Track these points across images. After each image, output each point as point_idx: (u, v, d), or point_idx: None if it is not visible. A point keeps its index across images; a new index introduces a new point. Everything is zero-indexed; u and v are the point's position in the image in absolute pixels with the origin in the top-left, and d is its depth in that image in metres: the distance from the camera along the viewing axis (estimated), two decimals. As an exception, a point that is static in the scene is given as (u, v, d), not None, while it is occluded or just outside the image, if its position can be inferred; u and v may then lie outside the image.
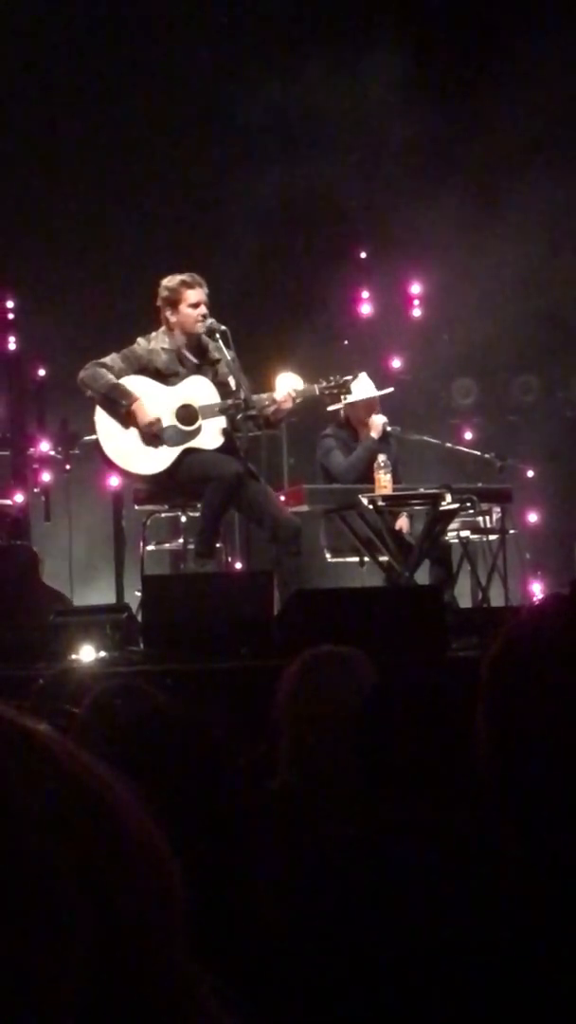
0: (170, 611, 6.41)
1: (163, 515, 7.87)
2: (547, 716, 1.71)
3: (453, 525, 8.02)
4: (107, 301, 10.25)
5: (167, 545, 8.36)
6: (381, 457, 7.81)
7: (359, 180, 10.86)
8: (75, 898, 0.80)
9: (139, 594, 6.97)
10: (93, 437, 7.49)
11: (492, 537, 8.25)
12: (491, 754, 1.75)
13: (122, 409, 7.21)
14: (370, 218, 11.32)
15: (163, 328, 7.42)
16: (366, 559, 7.95)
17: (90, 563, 9.73)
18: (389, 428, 8.49)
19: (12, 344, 10.00)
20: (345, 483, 8.21)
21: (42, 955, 0.78)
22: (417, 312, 11.55)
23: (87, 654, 6.11)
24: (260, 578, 6.92)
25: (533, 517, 10.66)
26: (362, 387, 8.19)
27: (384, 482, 7.66)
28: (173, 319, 7.36)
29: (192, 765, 1.59)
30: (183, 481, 7.29)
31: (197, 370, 7.39)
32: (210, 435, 7.29)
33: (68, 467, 9.28)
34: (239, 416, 7.18)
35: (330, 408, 7.95)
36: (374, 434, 8.39)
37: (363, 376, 8.33)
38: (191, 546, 7.42)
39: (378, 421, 8.42)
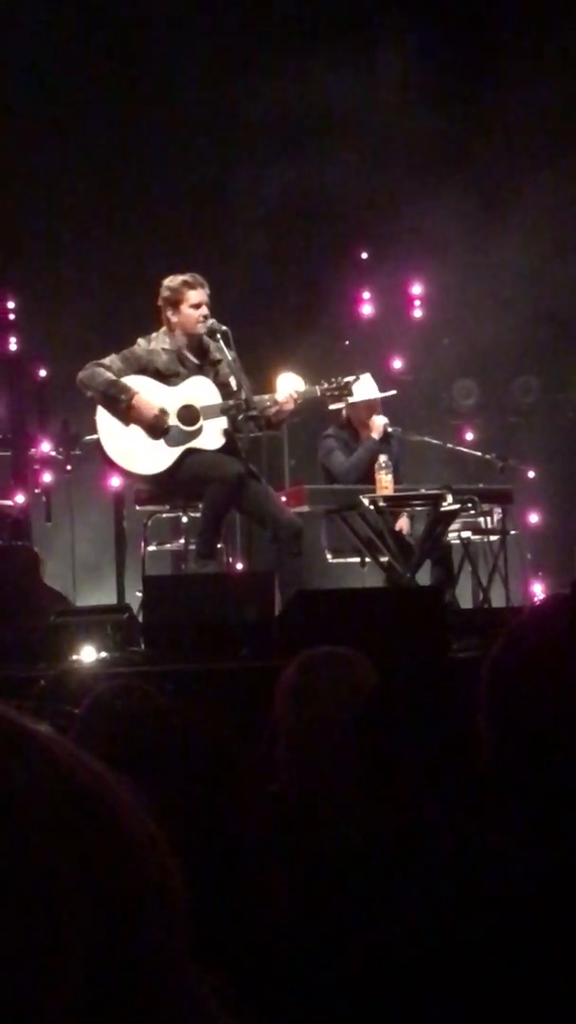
0: (171, 612, 6.40)
1: (164, 516, 7.86)
2: (548, 716, 1.71)
3: (454, 526, 8.02)
4: (108, 301, 10.25)
5: (168, 546, 8.36)
6: (382, 458, 7.82)
7: (360, 180, 10.85)
8: (75, 898, 0.80)
9: (140, 595, 6.97)
10: (94, 437, 7.49)
11: (493, 538, 8.25)
12: (492, 754, 1.75)
13: (122, 404, 7.20)
14: (371, 218, 11.32)
15: (164, 328, 7.41)
16: (367, 560, 7.95)
17: (91, 564, 9.73)
18: (390, 429, 8.49)
19: (13, 344, 10.00)
20: (346, 483, 8.21)
21: (42, 955, 0.78)
22: (418, 313, 11.55)
23: (88, 655, 6.10)
24: (261, 579, 6.92)
25: (534, 518, 10.66)
26: (364, 388, 8.19)
27: (385, 483, 7.66)
28: (174, 319, 7.35)
29: (193, 765, 1.59)
30: (184, 481, 7.29)
31: (198, 371, 7.39)
32: (211, 436, 7.29)
33: (69, 468, 9.28)
34: (240, 417, 7.18)
35: (331, 407, 7.95)
36: (375, 435, 8.40)
37: (367, 377, 8.33)
38: (192, 547, 7.42)
39: (379, 422, 8.42)
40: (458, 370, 11.58)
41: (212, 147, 10.96)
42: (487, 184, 10.86)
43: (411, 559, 7.74)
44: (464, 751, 2.14)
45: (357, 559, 8.13)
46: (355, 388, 7.72)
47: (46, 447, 9.40)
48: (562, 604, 1.93)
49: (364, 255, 11.52)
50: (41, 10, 10.43)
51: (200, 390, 7.32)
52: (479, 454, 9.50)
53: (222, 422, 7.28)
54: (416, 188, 10.94)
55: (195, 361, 7.41)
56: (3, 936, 0.78)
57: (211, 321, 7.29)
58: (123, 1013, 0.80)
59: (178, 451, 7.26)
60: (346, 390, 7.55)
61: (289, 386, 7.44)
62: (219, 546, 7.47)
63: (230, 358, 7.23)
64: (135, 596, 7.41)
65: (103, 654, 6.16)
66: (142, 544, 7.80)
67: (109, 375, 7.23)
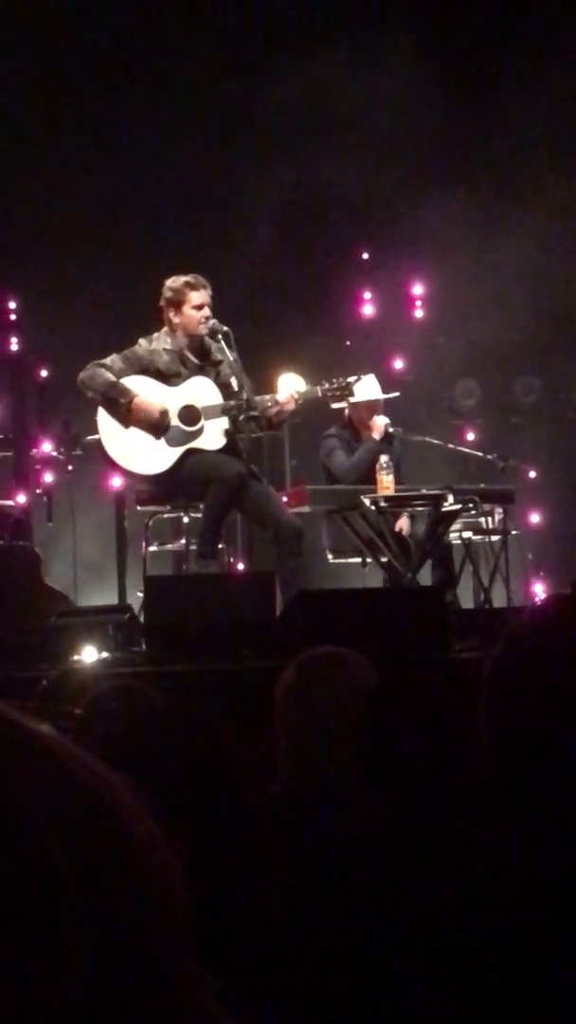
0: (172, 612, 6.40)
1: (165, 516, 7.86)
2: (549, 717, 1.71)
3: (455, 526, 8.02)
4: (109, 302, 10.25)
5: (169, 546, 8.36)
6: (383, 458, 7.81)
7: (361, 181, 10.85)
8: (75, 899, 0.80)
9: (141, 595, 6.97)
10: (95, 437, 7.49)
11: (494, 538, 8.25)
12: (493, 755, 1.75)
13: (121, 407, 7.20)
14: (372, 219, 11.32)
15: (165, 329, 7.41)
16: (368, 560, 7.95)
17: (92, 564, 9.72)
18: (391, 429, 8.49)
19: (14, 345, 10.01)
20: (346, 483, 8.21)
21: (42, 955, 0.78)
22: (419, 313, 11.55)
23: (89, 655, 6.10)
24: (262, 579, 6.92)
25: (535, 518, 10.66)
26: (366, 388, 8.19)
27: (386, 483, 7.66)
28: (176, 320, 7.35)
29: (192, 765, 1.59)
30: (185, 482, 7.29)
31: (199, 371, 7.39)
32: (212, 436, 7.29)
33: (70, 468, 9.28)
34: (241, 417, 7.18)
35: (333, 406, 7.95)
36: (376, 435, 8.39)
37: (371, 378, 8.34)
38: (193, 547, 7.42)
39: (380, 422, 8.42)
40: (459, 370, 11.57)
41: (213, 148, 10.95)
42: (488, 184, 10.86)
43: (412, 559, 7.74)
44: (465, 751, 2.14)
45: (358, 559, 8.13)
46: (357, 388, 7.71)
47: (47, 447, 9.41)
48: (563, 604, 1.93)
49: (365, 255, 11.52)
50: (42, 9, 10.43)
51: (201, 390, 7.32)
52: (480, 454, 9.50)
53: (223, 422, 7.28)
54: (417, 188, 10.94)
55: (196, 362, 7.41)
56: (4, 936, 0.78)
57: (212, 322, 7.29)
58: (124, 1013, 0.80)
59: (179, 451, 7.26)
60: (347, 390, 7.55)
61: (290, 386, 7.44)
62: (220, 546, 7.47)
63: (231, 359, 7.23)
64: (136, 596, 7.41)
65: (104, 654, 6.16)
66: (143, 544, 7.79)
67: (110, 376, 7.23)
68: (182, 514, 7.64)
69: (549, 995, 1.55)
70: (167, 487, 7.40)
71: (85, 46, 10.74)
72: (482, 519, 8.22)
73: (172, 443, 7.26)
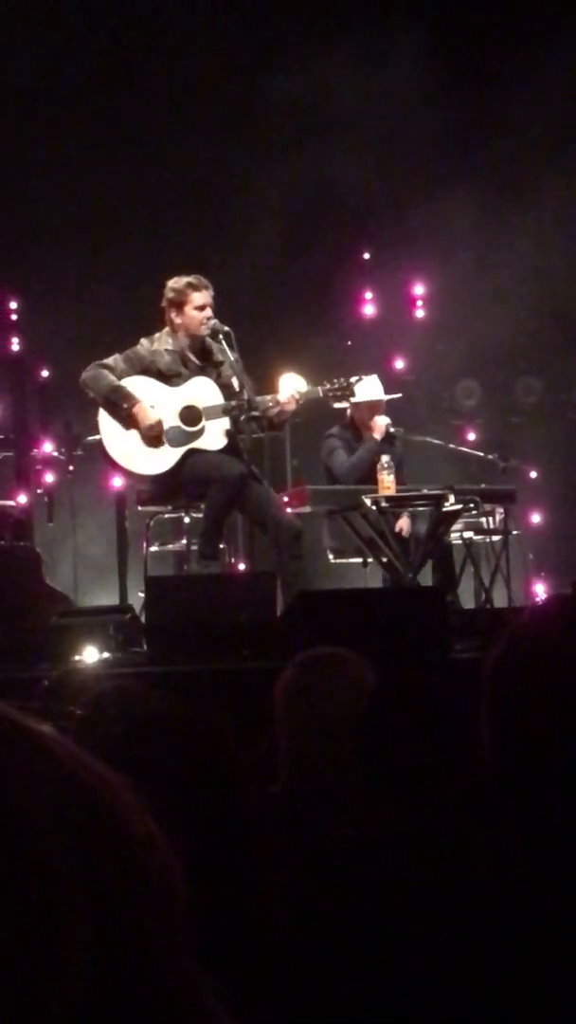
0: (173, 612, 6.40)
1: (166, 516, 7.86)
2: (549, 717, 1.71)
3: (456, 526, 8.02)
4: (111, 302, 10.25)
5: (170, 546, 8.35)
6: (384, 458, 7.81)
7: (362, 181, 10.85)
8: (75, 898, 0.80)
9: (142, 595, 6.97)
10: (96, 438, 7.49)
11: (495, 538, 8.25)
12: (493, 755, 1.75)
13: (123, 412, 7.21)
14: (373, 219, 11.32)
15: (167, 329, 7.41)
16: (369, 560, 7.95)
17: (93, 564, 9.72)
18: (392, 429, 8.49)
19: (16, 345, 10.01)
20: (347, 483, 8.21)
21: (42, 955, 0.78)
22: (420, 313, 11.55)
23: (90, 655, 6.10)
24: (263, 579, 6.92)
25: (536, 518, 10.66)
26: (368, 388, 8.19)
27: (387, 483, 7.65)
28: (178, 321, 7.35)
29: (192, 765, 1.59)
30: (186, 482, 7.29)
31: (200, 372, 7.39)
32: (213, 436, 7.29)
33: (71, 468, 9.28)
34: (243, 417, 7.17)
35: (336, 406, 7.95)
36: (376, 435, 8.39)
37: (373, 378, 8.35)
38: (194, 547, 7.42)
39: (381, 422, 8.42)
40: (460, 370, 11.57)
41: (214, 148, 10.95)
42: (489, 184, 10.85)
43: (413, 559, 7.74)
44: (465, 751, 2.14)
45: (359, 560, 8.13)
46: (358, 388, 7.72)
47: (48, 447, 9.41)
48: (563, 604, 1.93)
49: (366, 255, 11.52)
50: (42, 8, 10.43)
51: (202, 390, 7.32)
52: (481, 454, 9.49)
53: (224, 423, 7.28)
54: (418, 188, 10.94)
55: (197, 362, 7.41)
56: (3, 936, 0.78)
57: (213, 322, 7.28)
58: (124, 1013, 0.80)
59: (180, 451, 7.26)
60: (348, 391, 7.55)
61: (291, 386, 7.43)
62: (221, 547, 7.47)
63: (232, 359, 7.23)
64: (137, 597, 7.41)
65: (106, 655, 6.16)
66: (144, 545, 7.79)
67: (112, 379, 7.23)
68: (183, 514, 7.64)
69: (549, 995, 1.55)
70: (168, 487, 7.39)
71: (86, 45, 10.73)
72: (483, 519, 8.22)
73: (173, 443, 7.27)
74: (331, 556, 8.43)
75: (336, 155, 10.72)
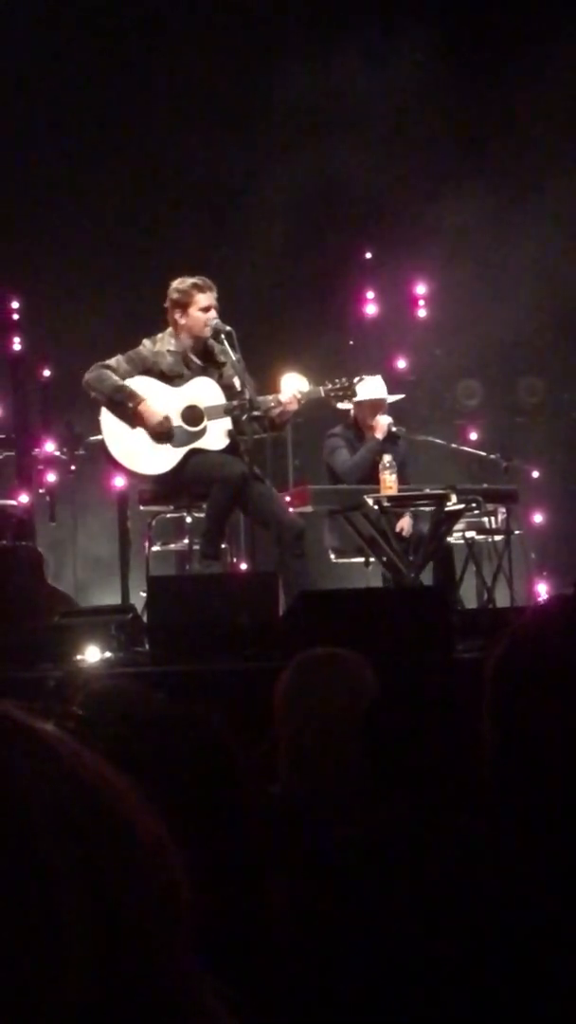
0: (175, 612, 6.40)
1: (168, 516, 7.86)
2: (551, 716, 1.71)
3: (459, 526, 8.01)
4: (113, 302, 10.25)
5: (172, 546, 8.36)
6: (386, 458, 7.81)
7: (364, 181, 10.85)
8: (76, 899, 0.80)
9: (144, 595, 6.97)
10: (98, 437, 7.49)
11: (497, 538, 8.25)
12: (495, 754, 1.75)
13: (128, 411, 7.21)
14: (375, 219, 11.31)
15: (169, 330, 7.41)
16: (371, 560, 7.94)
17: (95, 564, 9.73)
18: (395, 429, 8.48)
19: (17, 345, 10.01)
20: (348, 482, 8.21)
21: (43, 955, 0.78)
22: (422, 313, 11.55)
23: (92, 655, 6.11)
24: (265, 579, 6.91)
25: (538, 518, 10.66)
26: (369, 387, 8.19)
27: (389, 483, 7.65)
28: (182, 322, 7.34)
29: (192, 766, 1.59)
30: (188, 482, 7.29)
31: (202, 372, 7.39)
32: (215, 436, 7.29)
33: (73, 468, 9.29)
34: (244, 417, 7.17)
35: (339, 406, 7.96)
36: (378, 435, 8.38)
37: (377, 378, 8.35)
38: (196, 547, 7.42)
39: (383, 422, 8.41)
40: (462, 370, 11.57)
41: (217, 148, 10.94)
42: (491, 184, 10.85)
43: (415, 559, 7.74)
44: (467, 751, 2.13)
45: (361, 559, 8.13)
46: (360, 387, 7.71)
47: (50, 447, 9.41)
48: (565, 604, 1.93)
49: (368, 255, 11.52)
50: (43, 6, 10.43)
51: (204, 391, 7.32)
52: (483, 454, 9.49)
53: (226, 423, 7.28)
54: (420, 188, 10.94)
55: (199, 363, 7.41)
56: (4, 936, 0.78)
57: (215, 321, 7.28)
58: (124, 1013, 0.80)
59: (182, 451, 7.26)
60: (350, 391, 7.55)
61: (293, 386, 7.43)
62: (223, 547, 7.47)
63: (234, 359, 7.23)
64: (139, 596, 7.41)
65: (107, 654, 6.16)
66: (146, 544, 7.79)
67: (115, 379, 7.23)
68: (185, 514, 7.64)
69: (550, 995, 1.55)
70: (170, 487, 7.40)
71: (89, 43, 10.73)
72: (485, 519, 8.21)
73: (175, 443, 7.27)
74: (333, 556, 8.43)
75: (338, 155, 10.73)
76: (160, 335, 7.42)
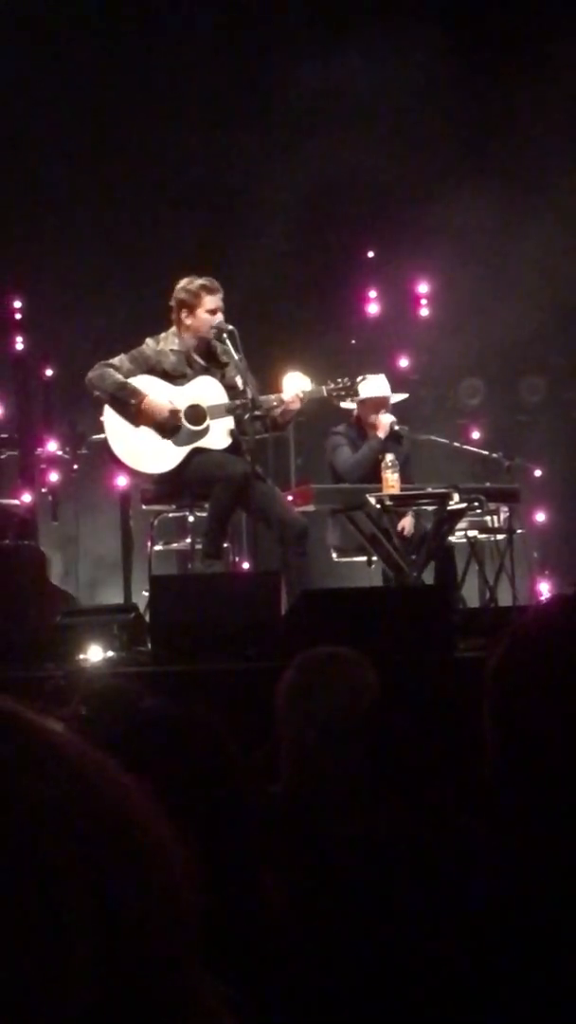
0: (178, 611, 6.39)
1: (170, 515, 7.86)
2: (552, 716, 1.71)
3: (461, 525, 8.01)
4: (115, 301, 10.26)
5: (175, 545, 8.36)
6: (389, 456, 7.81)
7: (367, 179, 10.85)
8: (79, 899, 0.80)
9: (147, 594, 6.97)
10: (101, 437, 7.49)
11: (499, 537, 8.25)
12: (496, 753, 1.75)
13: (132, 408, 7.21)
14: (378, 217, 11.31)
15: (173, 329, 7.40)
16: (374, 559, 7.94)
17: (97, 563, 9.73)
18: (397, 427, 8.48)
19: (20, 344, 10.02)
20: (350, 480, 8.21)
21: (45, 953, 0.78)
22: (425, 312, 11.55)
23: (95, 654, 6.11)
24: (267, 578, 6.91)
25: (541, 517, 10.65)
26: (372, 386, 8.18)
27: (391, 481, 7.65)
28: (188, 322, 7.33)
29: (193, 765, 1.59)
30: (191, 481, 7.29)
31: (205, 372, 7.39)
32: (218, 435, 7.29)
33: (75, 467, 9.29)
34: (246, 417, 7.17)
35: (341, 405, 7.96)
36: (380, 433, 8.38)
37: (380, 377, 8.34)
38: (199, 546, 7.42)
39: (385, 420, 8.40)
40: (465, 369, 11.57)
41: (219, 146, 10.94)
42: (494, 183, 10.84)
43: (417, 558, 7.73)
44: (468, 749, 2.14)
45: (363, 558, 8.13)
46: (364, 386, 7.71)
47: (53, 446, 9.41)
48: (566, 603, 1.93)
49: (370, 254, 11.52)
50: (42, 7, 10.43)
51: (207, 390, 7.32)
52: (486, 453, 9.48)
53: (228, 422, 7.28)
54: (423, 187, 10.93)
55: (202, 363, 7.40)
56: (8, 936, 0.78)
57: (218, 320, 7.27)
58: (125, 1013, 0.80)
59: (185, 451, 7.26)
60: (352, 390, 7.55)
61: (295, 386, 7.43)
62: (225, 546, 7.47)
63: (236, 358, 7.22)
64: (142, 596, 7.41)
65: (110, 654, 6.16)
66: (148, 544, 7.80)
67: (119, 377, 7.23)
68: (187, 513, 7.64)
69: (550, 995, 1.55)
70: (172, 486, 7.40)
71: (89, 43, 10.73)
72: (487, 518, 8.20)
73: (178, 442, 7.27)
74: (335, 555, 8.43)
75: (339, 154, 10.72)
76: (163, 334, 7.41)
